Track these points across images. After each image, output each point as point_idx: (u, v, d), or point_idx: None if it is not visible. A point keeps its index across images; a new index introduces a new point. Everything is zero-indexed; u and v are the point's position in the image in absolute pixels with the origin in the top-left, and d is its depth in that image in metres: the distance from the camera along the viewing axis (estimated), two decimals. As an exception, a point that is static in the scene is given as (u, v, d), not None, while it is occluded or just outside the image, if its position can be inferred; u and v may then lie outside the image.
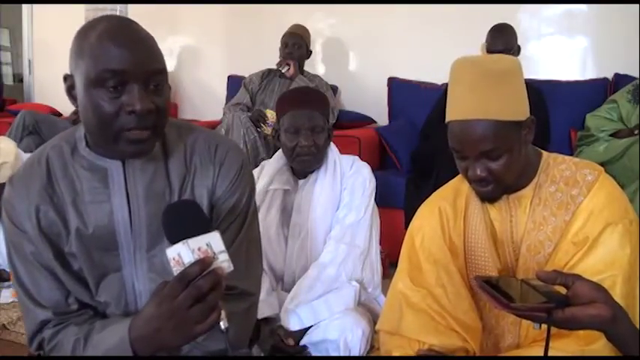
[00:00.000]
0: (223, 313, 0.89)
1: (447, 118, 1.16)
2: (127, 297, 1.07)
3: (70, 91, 1.01)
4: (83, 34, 0.98)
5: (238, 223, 1.11)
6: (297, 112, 1.75)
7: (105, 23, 0.97)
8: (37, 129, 3.53)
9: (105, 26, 0.96)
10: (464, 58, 1.16)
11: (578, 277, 0.88)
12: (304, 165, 1.80)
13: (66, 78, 1.02)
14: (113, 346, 0.95)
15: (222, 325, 0.88)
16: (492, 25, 2.86)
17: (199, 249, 0.86)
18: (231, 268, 0.89)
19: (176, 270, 0.87)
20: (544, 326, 0.86)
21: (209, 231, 0.88)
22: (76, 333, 1.02)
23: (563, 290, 0.88)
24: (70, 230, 1.04)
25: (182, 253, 0.86)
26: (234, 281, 1.04)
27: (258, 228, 1.19)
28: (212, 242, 0.87)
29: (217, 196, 1.10)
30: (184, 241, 0.86)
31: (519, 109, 1.13)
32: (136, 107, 0.93)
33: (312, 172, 1.83)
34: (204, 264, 0.86)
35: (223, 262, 0.88)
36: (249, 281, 1.12)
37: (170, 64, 4.25)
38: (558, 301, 0.84)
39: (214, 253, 0.87)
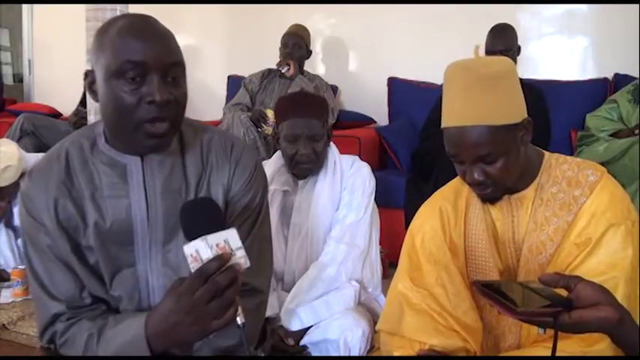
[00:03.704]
0: (240, 309, 0.90)
1: (443, 124, 1.16)
2: (140, 292, 1.08)
3: (91, 86, 1.04)
4: (103, 31, 1.01)
5: (251, 220, 1.13)
6: (296, 121, 1.74)
7: (124, 19, 1.01)
8: (37, 133, 3.53)
9: (124, 22, 1.00)
10: (456, 63, 1.16)
11: (580, 279, 0.87)
12: (304, 172, 1.80)
13: (87, 74, 1.05)
14: (128, 341, 0.95)
15: (239, 320, 0.90)
16: (492, 25, 2.86)
17: (217, 245, 0.88)
18: (248, 264, 0.90)
19: (193, 267, 0.88)
20: (548, 329, 0.85)
21: (226, 228, 0.89)
22: (89, 328, 1.02)
23: (564, 293, 0.87)
24: (87, 224, 1.05)
25: (200, 250, 0.87)
26: (245, 277, 1.04)
27: (270, 227, 1.21)
28: (230, 239, 0.89)
29: (232, 193, 1.12)
30: (203, 237, 0.87)
31: (515, 112, 1.13)
32: (155, 97, 0.96)
33: (312, 173, 1.83)
34: (222, 260, 0.87)
35: (240, 258, 0.89)
36: (260, 278, 1.14)
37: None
38: (563, 304, 0.83)
39: (232, 250, 0.89)
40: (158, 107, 0.97)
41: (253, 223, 1.14)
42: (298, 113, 1.75)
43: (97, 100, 1.03)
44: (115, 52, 0.97)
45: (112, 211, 1.05)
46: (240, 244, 0.89)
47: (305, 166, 1.77)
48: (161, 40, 1.00)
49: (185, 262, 0.89)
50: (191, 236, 0.89)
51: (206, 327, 0.90)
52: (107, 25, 1.02)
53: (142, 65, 0.96)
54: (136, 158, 1.06)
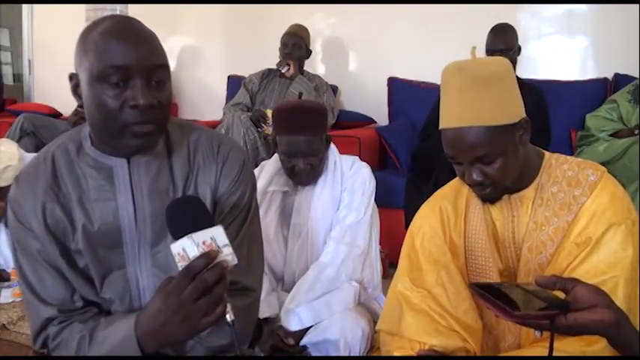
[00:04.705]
0: (229, 306, 0.90)
1: (440, 126, 1.16)
2: (131, 293, 1.08)
3: (76, 89, 1.03)
4: (87, 33, 0.99)
5: (240, 219, 1.13)
6: (294, 139, 1.71)
7: (108, 21, 0.99)
8: (37, 133, 3.54)
9: (108, 24, 0.98)
10: (452, 65, 1.16)
11: (577, 281, 0.87)
12: (303, 182, 1.79)
13: (71, 77, 1.04)
14: (119, 342, 0.95)
15: (229, 317, 0.89)
16: (492, 25, 2.86)
17: (204, 243, 0.88)
18: (235, 261, 0.90)
19: (181, 265, 0.88)
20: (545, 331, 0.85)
21: (212, 225, 0.89)
22: (80, 330, 1.02)
23: (561, 295, 0.87)
24: (76, 227, 1.05)
25: (187, 248, 0.87)
26: (236, 276, 1.04)
27: (260, 225, 1.20)
28: (216, 236, 0.89)
29: (220, 193, 1.11)
30: (189, 235, 0.87)
31: (512, 112, 1.13)
32: (139, 102, 0.95)
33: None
34: (209, 257, 0.87)
35: (227, 255, 0.89)
36: (250, 277, 1.13)
37: (170, 65, 4.25)
38: (560, 306, 0.83)
39: (218, 247, 0.88)
40: (142, 111, 0.96)
41: (242, 222, 1.13)
42: (296, 131, 1.71)
43: (82, 104, 1.02)
44: (98, 55, 0.95)
45: (99, 214, 1.05)
46: (227, 241, 0.89)
47: (303, 177, 1.77)
48: (144, 43, 0.98)
49: (174, 261, 0.89)
50: (177, 235, 0.89)
51: (195, 325, 0.90)
52: (90, 27, 1.00)
53: (125, 69, 0.95)
54: (122, 160, 1.05)
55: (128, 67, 0.95)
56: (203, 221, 0.90)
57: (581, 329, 0.84)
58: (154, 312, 0.92)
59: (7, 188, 2.32)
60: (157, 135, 1.02)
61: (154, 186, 1.06)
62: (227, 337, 1.04)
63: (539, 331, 0.85)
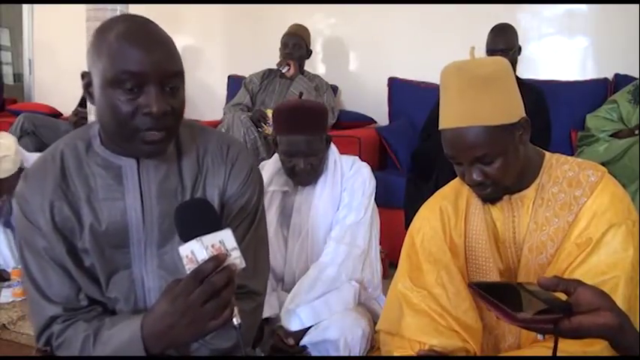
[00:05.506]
0: (236, 310, 0.90)
1: (440, 126, 1.16)
2: (136, 294, 1.08)
3: (88, 88, 1.03)
4: (102, 33, 0.98)
5: (247, 222, 1.13)
6: (294, 138, 1.71)
7: (124, 23, 0.98)
8: (37, 133, 3.54)
9: (124, 26, 0.97)
10: (451, 65, 1.16)
11: (580, 283, 0.86)
12: (303, 182, 1.79)
13: (84, 75, 1.03)
14: (124, 342, 0.95)
15: (235, 321, 0.89)
16: (492, 25, 2.86)
17: (213, 246, 0.88)
18: (244, 264, 0.90)
19: (189, 268, 0.88)
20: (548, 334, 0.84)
21: (221, 228, 0.89)
22: (85, 329, 1.02)
23: (563, 297, 0.86)
24: (83, 226, 1.05)
25: (195, 251, 0.87)
26: (242, 280, 1.04)
27: (266, 228, 1.20)
28: (225, 239, 0.89)
29: (228, 195, 1.11)
30: (198, 238, 0.87)
31: (511, 112, 1.13)
32: (152, 109, 0.94)
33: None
34: (218, 260, 0.87)
35: (236, 258, 0.89)
36: (256, 280, 1.13)
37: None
38: (562, 309, 0.82)
39: (227, 250, 0.88)
40: (154, 119, 0.95)
41: (249, 225, 1.13)
42: (296, 130, 1.71)
43: (93, 103, 1.02)
44: (113, 59, 0.94)
45: (107, 214, 1.04)
46: (235, 244, 0.89)
47: (303, 177, 1.77)
48: (160, 48, 0.97)
49: (181, 263, 0.89)
50: (186, 237, 0.88)
51: (202, 328, 0.90)
52: (105, 27, 0.99)
53: (139, 76, 0.94)
54: (131, 160, 1.05)
55: (143, 73, 0.94)
56: (212, 224, 0.90)
57: (585, 333, 0.83)
58: (160, 314, 0.91)
59: (5, 181, 2.31)
60: (168, 141, 1.02)
61: (162, 187, 1.06)
62: (231, 340, 1.04)
63: (542, 335, 0.84)
